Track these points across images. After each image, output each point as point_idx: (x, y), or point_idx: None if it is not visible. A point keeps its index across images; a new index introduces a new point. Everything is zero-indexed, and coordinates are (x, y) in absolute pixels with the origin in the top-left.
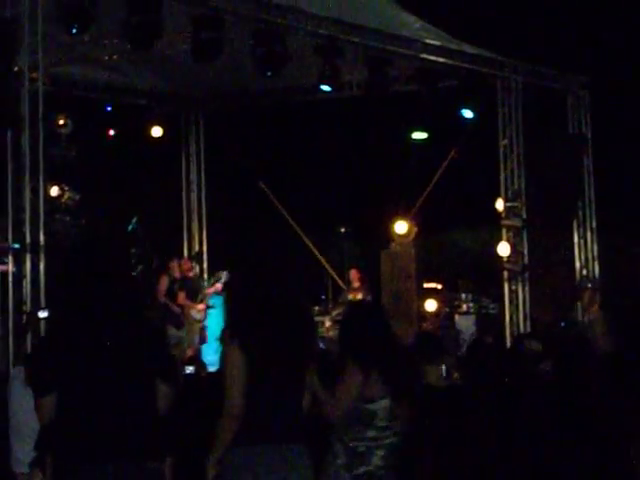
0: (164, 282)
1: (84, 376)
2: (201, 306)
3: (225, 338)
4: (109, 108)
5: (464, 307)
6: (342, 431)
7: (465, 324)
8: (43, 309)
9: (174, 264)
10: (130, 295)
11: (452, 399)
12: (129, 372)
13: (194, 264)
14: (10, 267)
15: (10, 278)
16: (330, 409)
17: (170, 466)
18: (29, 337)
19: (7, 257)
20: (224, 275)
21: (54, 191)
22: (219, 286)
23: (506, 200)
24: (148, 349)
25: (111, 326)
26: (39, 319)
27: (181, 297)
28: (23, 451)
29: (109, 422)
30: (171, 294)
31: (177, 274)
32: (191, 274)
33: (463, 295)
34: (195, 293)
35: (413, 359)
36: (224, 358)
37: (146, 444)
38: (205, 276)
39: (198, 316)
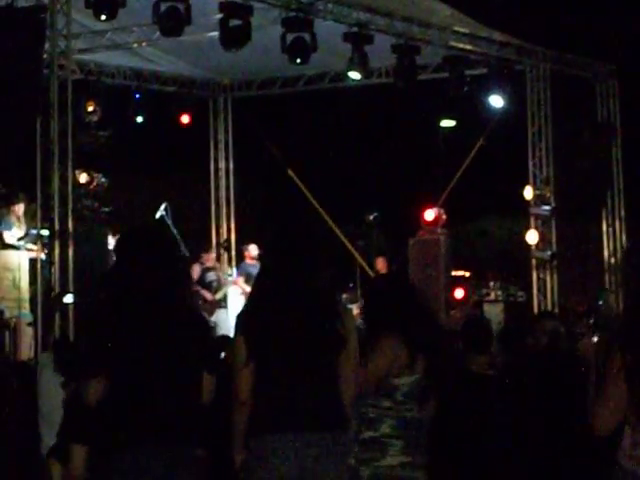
0: (196, 270)
1: (134, 361)
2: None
3: (235, 325)
4: (138, 95)
5: (492, 295)
6: (358, 398)
7: (493, 312)
8: (68, 294)
9: (208, 255)
10: (178, 283)
11: (498, 387)
12: (178, 359)
13: (222, 251)
14: (39, 253)
15: (39, 264)
16: (360, 382)
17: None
18: (56, 323)
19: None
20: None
21: (83, 178)
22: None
23: (534, 188)
24: (195, 337)
25: (160, 313)
26: (64, 304)
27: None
28: (52, 437)
29: (159, 407)
30: (203, 283)
31: (209, 264)
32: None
33: (491, 283)
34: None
35: (450, 340)
36: (231, 348)
37: (194, 431)
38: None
39: None
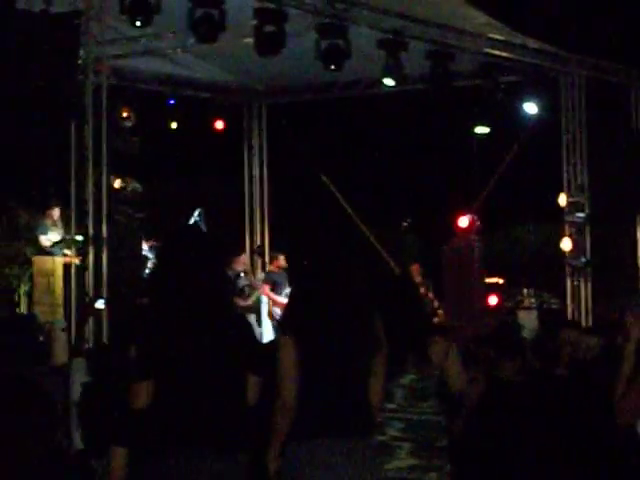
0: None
1: (181, 364)
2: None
3: (279, 329)
4: (172, 101)
5: (526, 302)
6: None
7: (527, 319)
8: (100, 299)
9: (238, 259)
10: (221, 286)
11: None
12: (224, 361)
13: (255, 257)
14: (74, 259)
15: (73, 270)
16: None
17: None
18: (88, 329)
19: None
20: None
21: (117, 183)
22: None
23: (569, 195)
24: (239, 340)
25: (205, 316)
26: (97, 310)
27: None
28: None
29: (205, 410)
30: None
31: (239, 268)
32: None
33: (525, 290)
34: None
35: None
36: (277, 350)
37: (238, 434)
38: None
39: None
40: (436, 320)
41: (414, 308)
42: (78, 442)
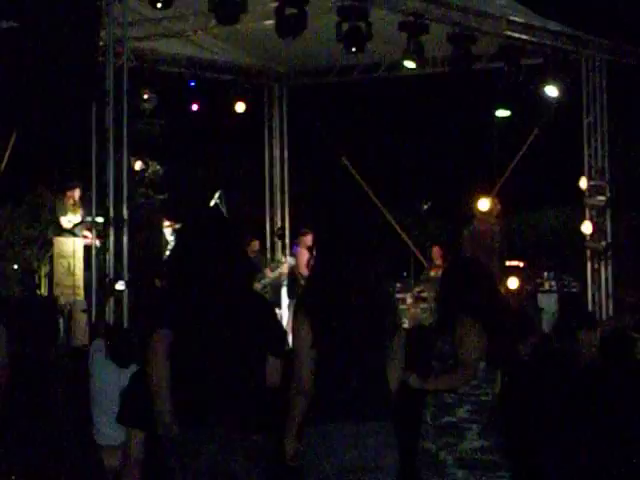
0: None
1: (201, 345)
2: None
3: (296, 311)
4: (193, 83)
5: (546, 285)
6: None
7: (547, 302)
8: (120, 281)
9: (255, 242)
10: (242, 267)
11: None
12: (244, 342)
13: (276, 240)
14: (94, 241)
15: (94, 252)
16: (460, 372)
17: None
18: (108, 310)
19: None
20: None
21: (138, 165)
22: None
23: (590, 178)
24: (261, 321)
25: (227, 297)
26: (118, 291)
27: None
28: (106, 424)
29: (223, 390)
30: None
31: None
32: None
33: (545, 273)
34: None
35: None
36: (293, 333)
37: (254, 415)
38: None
39: None
40: None
41: (499, 296)
42: (98, 424)
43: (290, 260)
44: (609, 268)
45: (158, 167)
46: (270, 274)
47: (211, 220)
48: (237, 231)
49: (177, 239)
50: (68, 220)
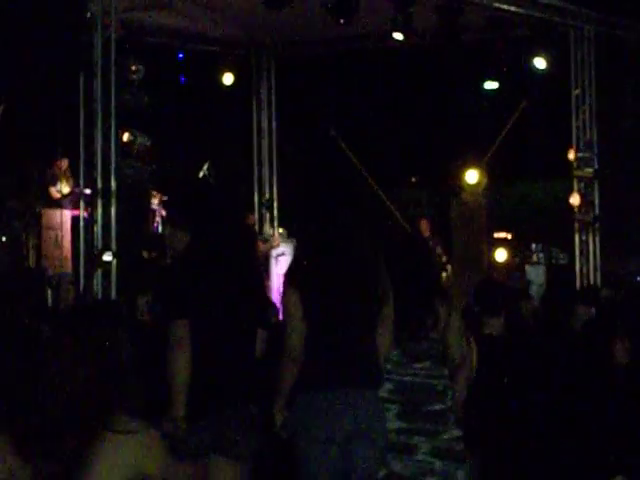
0: None
1: (201, 319)
2: None
3: (285, 282)
4: (181, 55)
5: (534, 257)
6: None
7: (535, 274)
8: (108, 252)
9: (251, 217)
10: (243, 241)
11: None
12: (244, 319)
13: (264, 211)
14: (82, 212)
15: (81, 223)
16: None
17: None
18: (96, 281)
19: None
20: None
21: (125, 137)
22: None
23: (577, 150)
24: (254, 293)
25: (226, 269)
26: (104, 262)
27: None
28: None
29: (223, 363)
30: None
31: None
32: None
33: (533, 245)
34: None
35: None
36: (283, 304)
37: (250, 387)
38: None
39: None
40: (444, 275)
41: (423, 267)
42: None
43: (283, 232)
44: (597, 240)
45: (146, 138)
46: (262, 247)
47: (204, 191)
48: (232, 201)
49: (170, 211)
50: (57, 190)
